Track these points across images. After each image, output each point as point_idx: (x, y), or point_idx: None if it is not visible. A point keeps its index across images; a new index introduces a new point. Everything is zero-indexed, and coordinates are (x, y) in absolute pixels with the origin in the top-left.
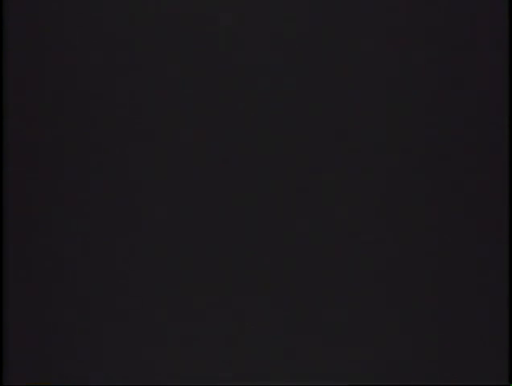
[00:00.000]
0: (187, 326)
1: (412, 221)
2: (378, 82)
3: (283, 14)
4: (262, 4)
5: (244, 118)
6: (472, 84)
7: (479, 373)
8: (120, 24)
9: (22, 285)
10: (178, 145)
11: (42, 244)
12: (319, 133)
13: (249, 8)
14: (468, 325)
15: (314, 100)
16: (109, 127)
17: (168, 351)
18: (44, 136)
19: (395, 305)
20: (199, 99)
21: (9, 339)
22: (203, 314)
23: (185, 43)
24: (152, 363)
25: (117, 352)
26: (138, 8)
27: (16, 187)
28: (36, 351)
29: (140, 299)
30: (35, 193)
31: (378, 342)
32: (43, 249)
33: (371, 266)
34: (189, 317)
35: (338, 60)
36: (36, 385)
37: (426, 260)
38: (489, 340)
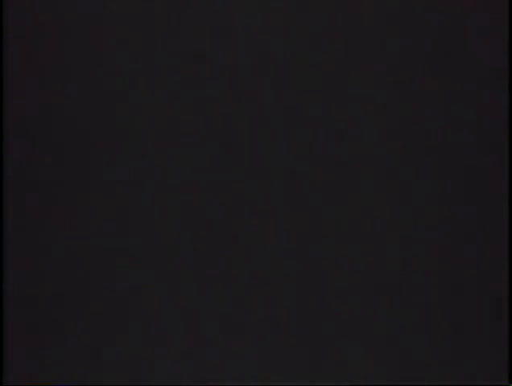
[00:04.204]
0: (187, 326)
1: (412, 221)
2: (378, 81)
3: (282, 15)
4: (260, 5)
5: (244, 119)
6: (472, 83)
7: (479, 373)
8: (119, 24)
9: (22, 285)
10: (177, 146)
11: (42, 244)
12: (319, 134)
13: (247, 9)
14: (468, 325)
15: (314, 100)
16: (109, 127)
17: (168, 351)
18: (44, 136)
19: (395, 305)
20: (198, 100)
21: (9, 339)
22: (203, 313)
23: (184, 42)
24: (152, 363)
25: (117, 352)
26: (138, 7)
27: (16, 187)
28: (36, 351)
29: (140, 299)
30: (35, 192)
31: (378, 342)
32: (43, 249)
33: (371, 266)
34: (189, 317)
35: (337, 60)
36: (36, 385)
37: (426, 259)
38: (489, 340)
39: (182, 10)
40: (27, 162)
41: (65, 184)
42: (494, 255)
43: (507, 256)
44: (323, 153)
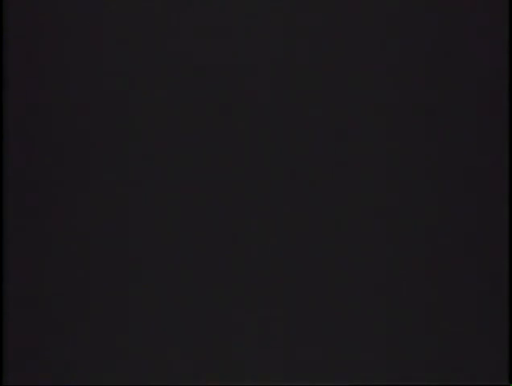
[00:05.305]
0: (187, 326)
1: (412, 221)
2: (378, 81)
3: (283, 15)
4: (259, 7)
5: (244, 119)
6: (472, 83)
7: (479, 373)
8: (119, 24)
9: (22, 285)
10: (177, 146)
11: (42, 244)
12: (319, 134)
13: (247, 9)
14: (468, 325)
15: (314, 100)
16: (109, 127)
17: (168, 351)
18: (44, 136)
19: (395, 305)
20: (198, 100)
21: (9, 339)
22: (203, 313)
23: (184, 42)
24: (152, 363)
25: (117, 352)
26: (138, 7)
27: (16, 187)
28: (36, 351)
29: (140, 299)
30: (35, 192)
31: (378, 342)
32: (43, 249)
33: (372, 266)
34: (189, 317)
35: (337, 60)
36: (36, 385)
37: (426, 259)
38: (489, 340)
39: (182, 10)
40: (27, 162)
41: (65, 184)
42: (494, 255)
43: (507, 256)
44: (323, 153)
